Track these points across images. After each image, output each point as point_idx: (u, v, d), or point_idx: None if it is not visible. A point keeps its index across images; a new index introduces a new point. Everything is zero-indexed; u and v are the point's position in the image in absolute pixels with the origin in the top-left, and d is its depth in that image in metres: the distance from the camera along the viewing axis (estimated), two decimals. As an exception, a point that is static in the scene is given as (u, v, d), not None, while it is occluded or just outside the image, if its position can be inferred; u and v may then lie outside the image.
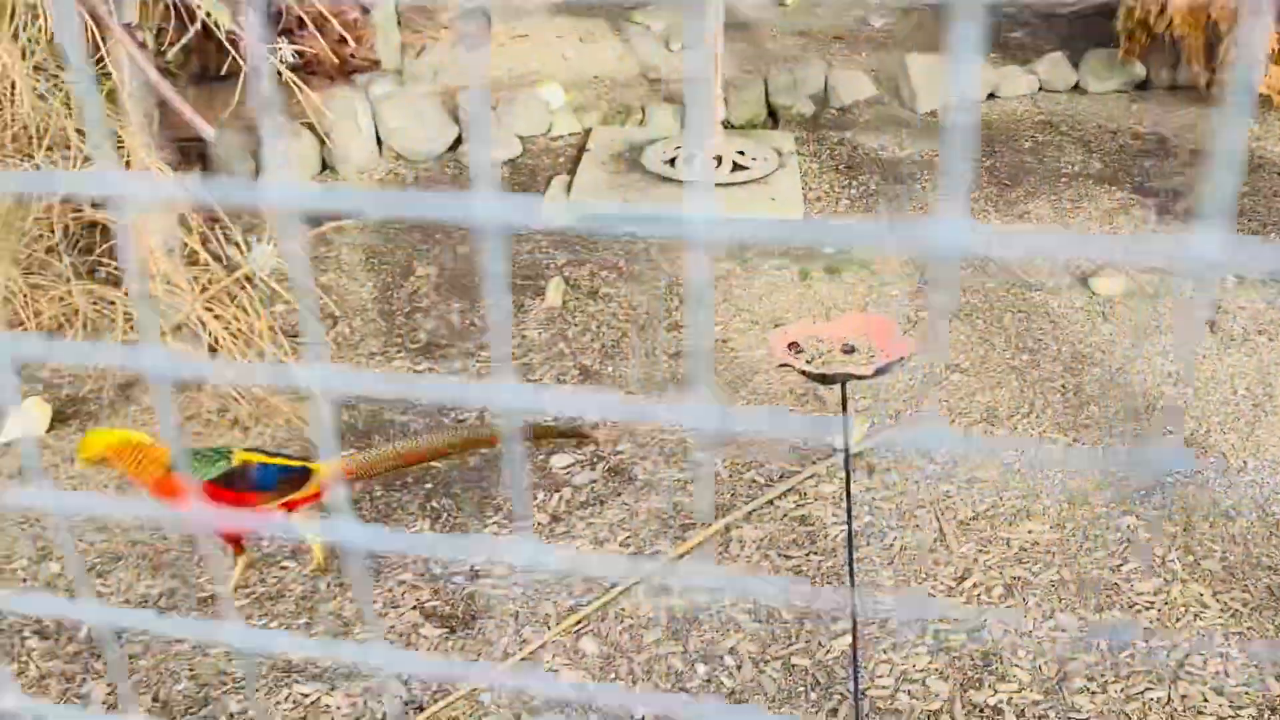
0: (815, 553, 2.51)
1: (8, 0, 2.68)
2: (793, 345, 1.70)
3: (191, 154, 4.21)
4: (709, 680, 2.22)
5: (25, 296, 2.75)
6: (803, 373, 1.65)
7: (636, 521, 2.63)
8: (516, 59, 5.38)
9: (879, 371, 1.63)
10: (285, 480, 2.33)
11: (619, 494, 2.72)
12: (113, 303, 2.85)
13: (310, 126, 4.22)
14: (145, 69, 2.64)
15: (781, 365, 1.67)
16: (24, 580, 2.48)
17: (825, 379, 1.67)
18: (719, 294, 3.54)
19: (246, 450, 2.37)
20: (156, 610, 2.38)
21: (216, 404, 2.93)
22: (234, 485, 2.27)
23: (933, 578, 2.44)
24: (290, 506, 2.34)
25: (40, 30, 2.57)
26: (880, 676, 2.20)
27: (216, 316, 2.71)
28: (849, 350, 1.68)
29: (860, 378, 1.63)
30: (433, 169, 4.53)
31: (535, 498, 2.72)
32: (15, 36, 2.53)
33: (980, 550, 2.51)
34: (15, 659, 2.27)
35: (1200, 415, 2.92)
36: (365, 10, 5.01)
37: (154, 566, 2.49)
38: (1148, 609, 2.33)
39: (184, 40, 3.00)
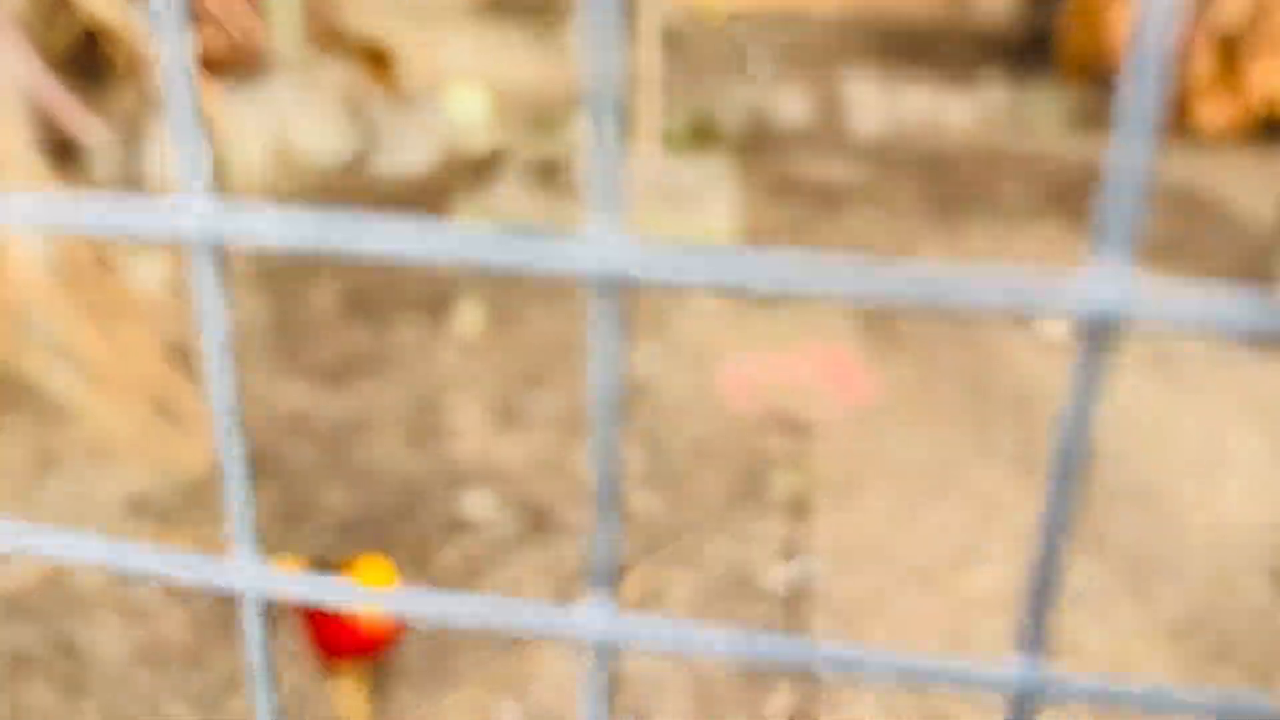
0: (749, 599, 2.33)
1: None
2: (747, 385, 1.51)
3: (69, 158, 3.91)
4: (637, 748, 2.01)
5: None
6: (761, 415, 1.46)
7: (557, 568, 2.42)
8: (429, 65, 5.16)
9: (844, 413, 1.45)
10: None
11: (537, 538, 2.51)
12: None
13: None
14: (26, 63, 2.37)
15: (735, 407, 1.48)
16: None
17: (784, 424, 1.48)
18: (642, 324, 3.35)
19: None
20: (13, 669, 2.10)
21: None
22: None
23: (872, 628, 2.27)
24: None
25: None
26: (824, 744, 2.01)
27: (101, 337, 2.44)
28: (808, 391, 1.50)
29: (823, 421, 1.44)
30: (334, 181, 4.28)
31: (445, 541, 2.50)
32: None
33: (922, 600, 2.34)
34: None
35: (1148, 465, 2.81)
36: None
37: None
38: (1096, 661, 2.19)
39: (70, 34, 2.74)
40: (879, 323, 3.32)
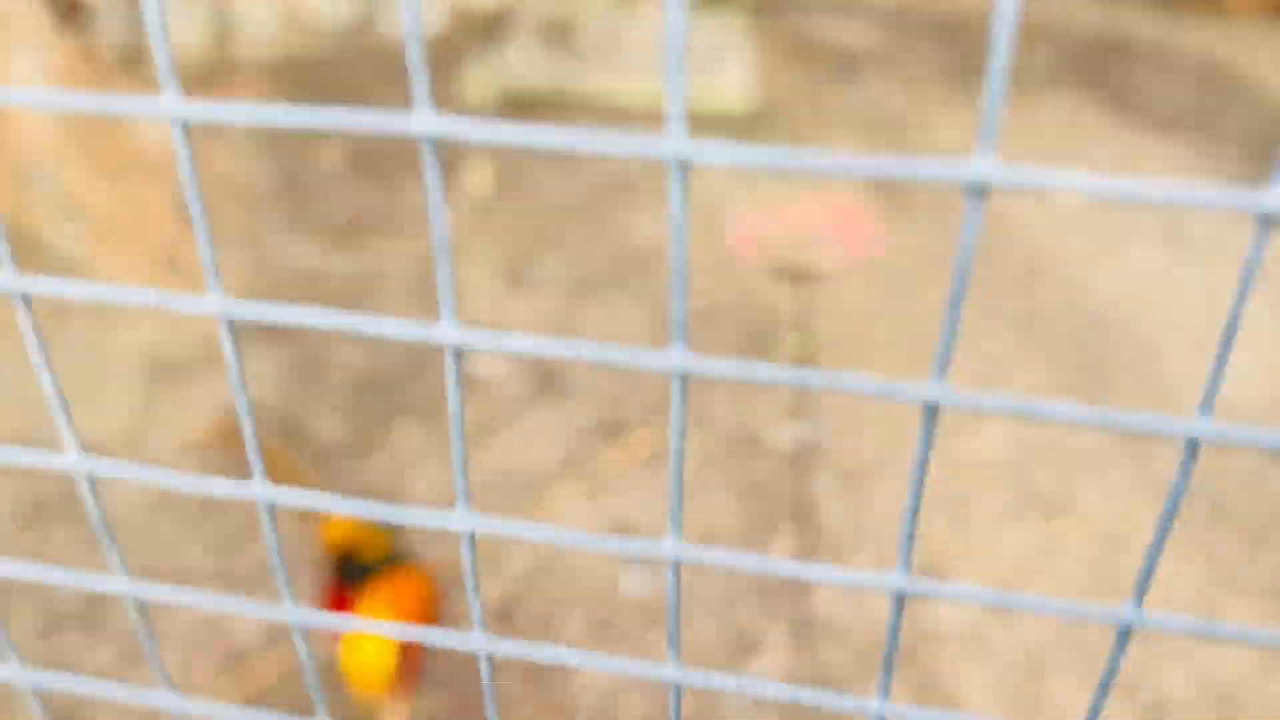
0: (756, 457, 2.37)
1: None
2: (756, 238, 1.51)
3: (73, 18, 3.84)
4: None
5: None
6: (770, 268, 1.47)
7: (568, 425, 2.46)
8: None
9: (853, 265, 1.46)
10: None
11: (547, 397, 2.55)
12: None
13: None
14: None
15: (744, 260, 1.49)
16: None
17: (793, 277, 1.49)
18: (651, 188, 3.33)
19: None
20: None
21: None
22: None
23: (875, 487, 2.31)
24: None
25: None
26: (824, 589, 2.08)
27: (110, 193, 2.44)
28: (817, 242, 1.51)
29: (831, 273, 1.45)
30: (343, 41, 4.21)
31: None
32: None
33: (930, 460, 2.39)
34: None
35: (1152, 334, 2.82)
36: None
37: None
38: (1097, 525, 2.24)
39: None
40: (889, 186, 3.29)
